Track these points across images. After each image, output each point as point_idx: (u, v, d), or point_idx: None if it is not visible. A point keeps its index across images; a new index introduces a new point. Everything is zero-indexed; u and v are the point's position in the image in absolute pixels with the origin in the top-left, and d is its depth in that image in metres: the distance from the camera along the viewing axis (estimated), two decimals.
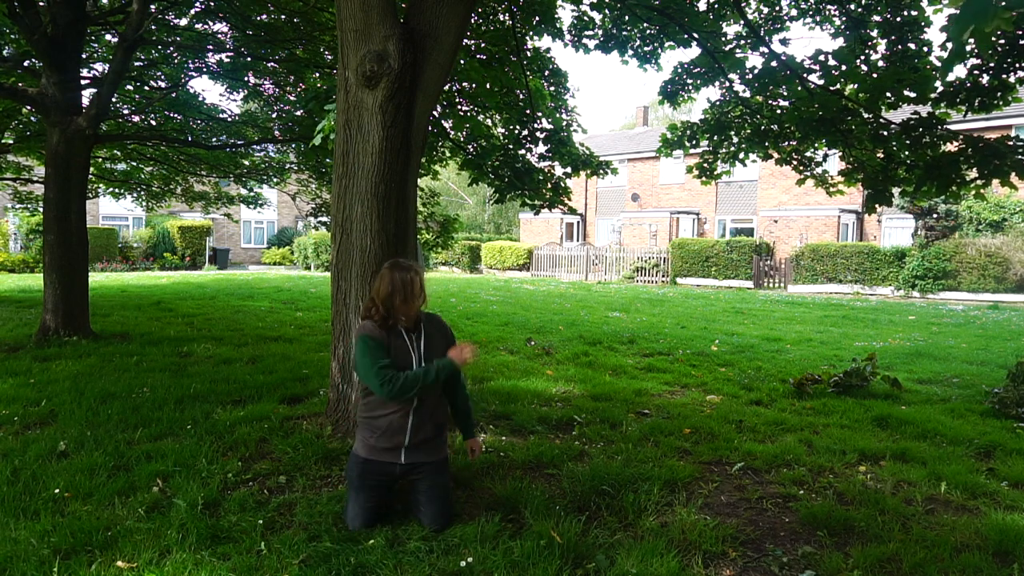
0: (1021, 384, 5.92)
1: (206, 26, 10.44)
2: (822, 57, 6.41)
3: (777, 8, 7.50)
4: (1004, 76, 6.08)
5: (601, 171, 8.98)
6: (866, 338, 10.62)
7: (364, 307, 3.41)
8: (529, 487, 3.81)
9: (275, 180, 14.04)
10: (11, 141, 11.92)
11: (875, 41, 6.62)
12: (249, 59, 10.10)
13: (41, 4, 8.03)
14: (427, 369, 3.25)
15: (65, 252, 8.12)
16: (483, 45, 7.77)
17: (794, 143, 7.60)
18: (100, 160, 13.13)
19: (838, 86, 6.63)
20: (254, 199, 15.08)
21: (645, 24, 7.64)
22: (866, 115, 6.60)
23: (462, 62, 7.03)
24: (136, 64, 10.21)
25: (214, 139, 12.17)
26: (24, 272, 23.77)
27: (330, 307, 4.75)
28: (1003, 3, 1.78)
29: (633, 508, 3.60)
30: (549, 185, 8.50)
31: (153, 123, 11.92)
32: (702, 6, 7.58)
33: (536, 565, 2.96)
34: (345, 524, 3.32)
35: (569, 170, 8.73)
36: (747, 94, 7.56)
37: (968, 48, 1.99)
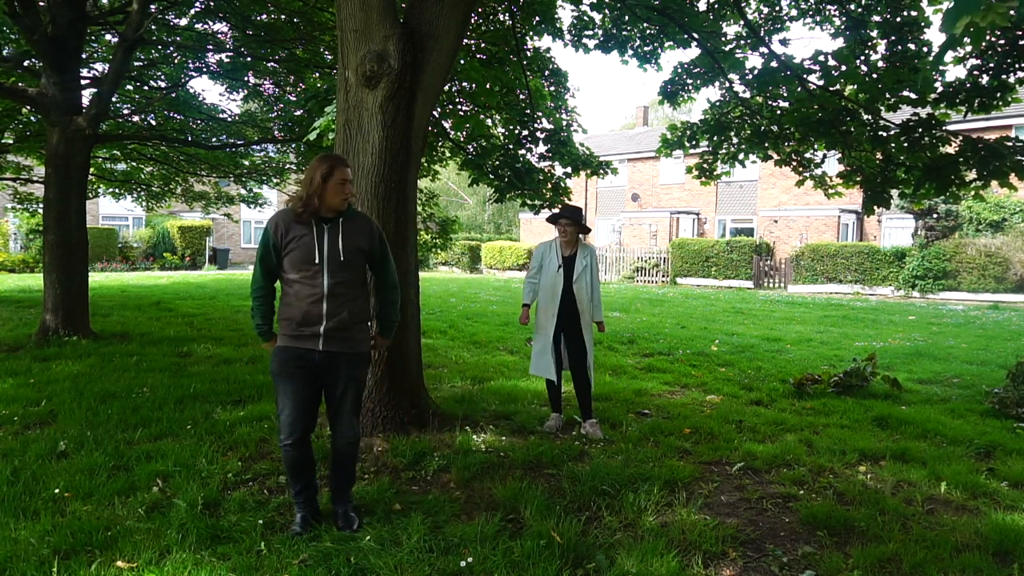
0: (1021, 384, 5.92)
1: (206, 26, 10.45)
2: (822, 58, 6.41)
3: (777, 8, 7.49)
4: (1004, 76, 6.08)
5: (601, 171, 8.98)
6: (866, 338, 10.62)
7: (293, 198, 3.35)
8: (529, 487, 3.82)
9: (275, 180, 14.05)
10: (11, 141, 11.92)
11: (875, 41, 6.61)
12: (249, 59, 10.11)
13: (41, 4, 8.03)
14: (255, 324, 3.41)
15: (65, 252, 8.11)
16: (483, 45, 7.77)
17: (793, 144, 7.60)
18: (100, 160, 13.12)
19: (838, 87, 6.63)
20: (254, 199, 15.07)
21: (645, 24, 7.64)
22: (865, 116, 6.60)
23: (462, 62, 7.03)
24: (136, 64, 10.21)
25: (214, 139, 12.17)
26: (24, 272, 23.76)
27: None
28: None
29: (633, 508, 3.60)
30: (549, 185, 8.51)
31: (153, 123, 11.92)
32: (702, 6, 7.58)
33: (536, 565, 2.96)
34: (283, 439, 3.25)
35: (569, 170, 8.73)
36: (747, 94, 7.56)
37: (964, 40, 1.99)
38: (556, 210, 5.56)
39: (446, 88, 7.19)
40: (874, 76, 6.36)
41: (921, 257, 20.55)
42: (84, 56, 9.21)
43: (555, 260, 5.18)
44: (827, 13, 7.22)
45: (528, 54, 8.22)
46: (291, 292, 3.28)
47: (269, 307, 3.38)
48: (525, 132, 8.46)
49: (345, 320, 3.29)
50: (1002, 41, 6.00)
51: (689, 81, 7.97)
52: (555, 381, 5.22)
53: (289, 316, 3.27)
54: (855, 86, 6.52)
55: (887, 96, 6.35)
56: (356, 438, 3.42)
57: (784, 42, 7.35)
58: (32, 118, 11.33)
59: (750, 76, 7.11)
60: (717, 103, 8.10)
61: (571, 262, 5.19)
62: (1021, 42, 5.93)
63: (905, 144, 6.45)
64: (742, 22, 7.25)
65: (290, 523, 3.36)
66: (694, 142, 8.28)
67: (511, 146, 8.45)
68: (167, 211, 28.56)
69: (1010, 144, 5.92)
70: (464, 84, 7.81)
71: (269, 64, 10.10)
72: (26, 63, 9.28)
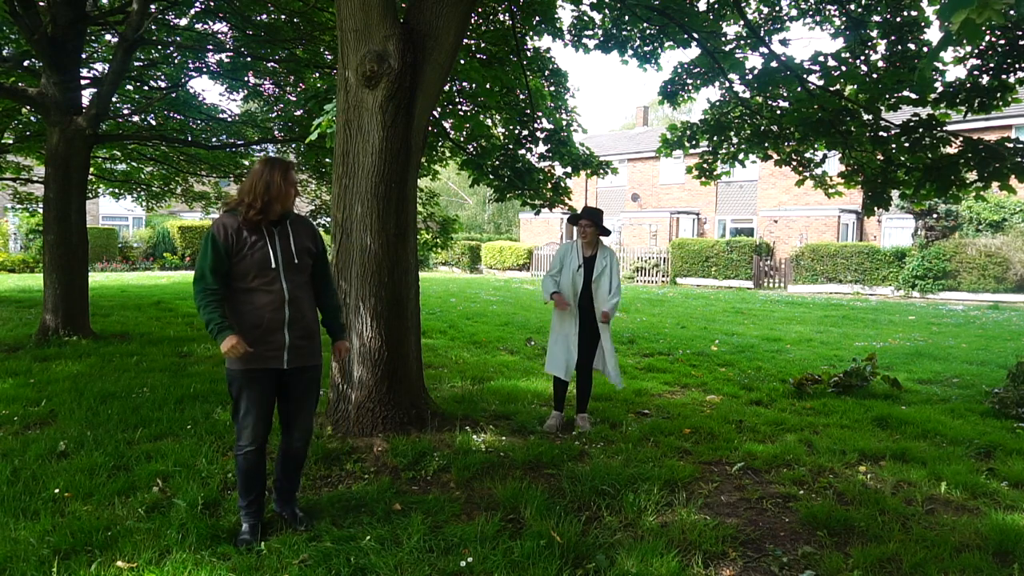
0: (1021, 384, 5.92)
1: (206, 26, 10.44)
2: (821, 58, 6.40)
3: (777, 8, 7.49)
4: (1004, 76, 6.08)
5: (601, 171, 8.98)
6: (866, 338, 10.62)
7: (234, 203, 3.19)
8: (529, 487, 3.82)
9: None
10: (11, 141, 11.92)
11: (875, 41, 6.61)
12: (249, 59, 10.10)
13: (41, 4, 8.03)
14: (208, 322, 3.10)
15: (65, 252, 8.11)
16: (483, 45, 7.76)
17: (793, 144, 7.60)
18: (100, 160, 13.11)
19: (838, 87, 6.63)
20: None
21: (645, 24, 7.64)
22: (866, 116, 6.60)
23: (462, 62, 7.03)
24: (136, 64, 10.20)
25: (214, 139, 12.16)
26: (24, 272, 23.75)
27: None
28: None
29: (633, 508, 3.60)
30: (549, 185, 8.50)
31: (153, 123, 11.91)
32: (702, 6, 7.58)
33: (536, 565, 2.96)
34: (245, 445, 3.19)
35: (569, 170, 8.73)
36: (747, 95, 7.56)
37: (960, 37, 2.00)
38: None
39: (446, 88, 7.19)
40: (874, 76, 6.36)
41: (921, 257, 20.55)
42: (84, 56, 9.20)
43: (576, 260, 5.24)
44: (827, 13, 7.22)
45: (528, 54, 8.21)
46: (245, 300, 3.14)
47: (224, 308, 3.12)
48: (525, 132, 8.46)
49: (308, 326, 3.26)
50: (1002, 41, 6.00)
51: (689, 81, 7.97)
52: (565, 380, 5.27)
53: (248, 324, 3.12)
54: (855, 86, 6.52)
55: (887, 96, 6.35)
56: (311, 434, 3.47)
57: (784, 42, 7.34)
58: (32, 118, 11.33)
59: (750, 76, 7.10)
60: (717, 103, 8.09)
61: (591, 263, 5.26)
62: (1021, 42, 5.93)
63: (906, 144, 6.45)
64: (742, 22, 7.24)
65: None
66: (694, 142, 8.28)
67: (511, 146, 8.45)
68: (167, 211, 28.57)
69: (1010, 146, 5.91)
70: (464, 84, 7.81)
71: (269, 64, 10.09)
72: (26, 63, 9.28)
